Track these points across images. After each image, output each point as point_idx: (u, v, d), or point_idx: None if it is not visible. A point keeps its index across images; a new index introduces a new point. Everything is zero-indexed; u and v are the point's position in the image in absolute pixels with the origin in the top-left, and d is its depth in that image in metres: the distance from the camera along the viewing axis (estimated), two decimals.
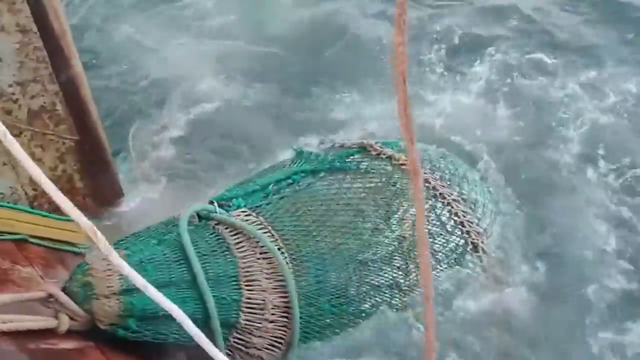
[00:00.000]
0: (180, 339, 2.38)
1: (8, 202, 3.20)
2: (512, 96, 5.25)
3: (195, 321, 2.29)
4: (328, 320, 2.59)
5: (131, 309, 2.27)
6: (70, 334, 2.36)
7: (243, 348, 2.48)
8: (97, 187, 3.48)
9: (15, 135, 2.96)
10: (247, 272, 2.49)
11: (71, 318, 2.27)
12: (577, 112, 5.01)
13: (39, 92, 3.08)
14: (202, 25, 6.20)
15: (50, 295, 2.24)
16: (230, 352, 2.49)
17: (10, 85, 2.96)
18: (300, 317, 2.51)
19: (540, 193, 4.12)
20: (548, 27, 6.24)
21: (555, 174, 4.43)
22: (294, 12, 6.35)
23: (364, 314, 2.65)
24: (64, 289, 2.27)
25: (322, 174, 3.01)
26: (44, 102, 3.11)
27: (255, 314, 2.46)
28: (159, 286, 2.25)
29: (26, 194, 3.26)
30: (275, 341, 2.52)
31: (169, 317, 2.25)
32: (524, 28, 6.24)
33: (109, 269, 2.30)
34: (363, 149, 3.24)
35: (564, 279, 3.66)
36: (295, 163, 3.17)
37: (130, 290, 2.28)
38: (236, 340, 2.47)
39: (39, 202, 3.30)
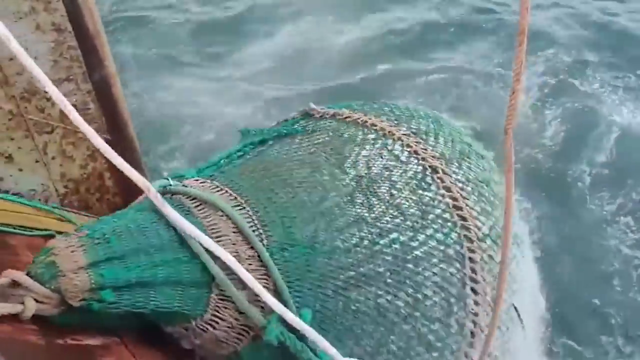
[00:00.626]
0: (160, 305, 2.25)
1: (37, 201, 3.22)
2: (555, 100, 5.05)
3: (174, 284, 2.26)
4: (305, 260, 2.43)
5: (102, 281, 2.15)
6: (96, 330, 2.35)
7: (229, 304, 2.33)
8: (127, 185, 3.46)
9: (47, 133, 3.07)
10: (214, 229, 2.38)
11: (39, 302, 2.14)
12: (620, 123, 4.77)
13: (72, 91, 3.18)
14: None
15: (15, 282, 2.12)
16: (217, 312, 2.34)
17: None
18: (277, 263, 2.37)
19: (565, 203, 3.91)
20: (598, 32, 6.02)
21: (581, 187, 4.22)
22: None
23: (337, 250, 2.51)
24: (28, 274, 2.16)
25: (270, 142, 2.98)
26: (76, 101, 3.17)
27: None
28: (126, 255, 2.21)
29: (57, 190, 3.30)
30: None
31: (145, 284, 2.23)
32: (574, 31, 6.04)
33: (71, 245, 2.20)
34: (306, 115, 3.22)
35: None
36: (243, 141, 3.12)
37: (97, 262, 2.17)
38: (220, 297, 2.33)
39: (69, 199, 3.33)
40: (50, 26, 3.01)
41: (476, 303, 2.73)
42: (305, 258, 2.43)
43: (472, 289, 2.73)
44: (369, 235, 2.57)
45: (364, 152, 2.84)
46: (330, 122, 3.05)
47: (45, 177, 3.33)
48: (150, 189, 2.28)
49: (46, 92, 3.15)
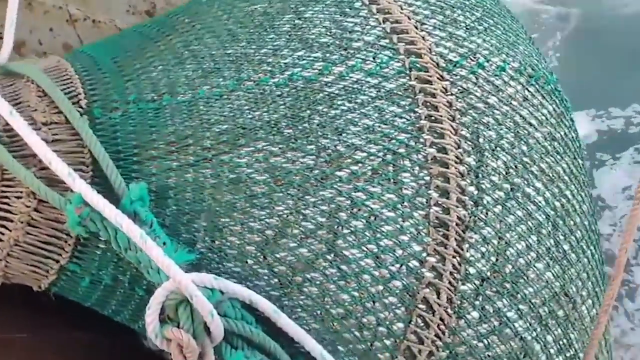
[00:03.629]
0: None
1: None
2: None
3: None
4: (149, 120, 1.71)
5: None
6: None
7: (19, 188, 1.63)
8: None
9: None
10: (11, 97, 1.73)
11: None
12: None
13: None
14: None
15: None
16: (4, 203, 1.63)
17: None
18: (100, 128, 1.70)
19: None
20: None
21: None
22: None
23: (202, 100, 1.74)
24: None
25: None
26: None
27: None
28: None
29: None
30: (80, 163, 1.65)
31: None
32: None
33: None
34: None
35: None
36: None
37: None
38: (5, 181, 1.63)
39: None
40: None
41: (442, 149, 1.74)
42: (149, 117, 1.70)
43: (432, 130, 1.75)
44: (253, 75, 1.76)
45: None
46: None
47: None
48: None
49: None
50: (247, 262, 1.67)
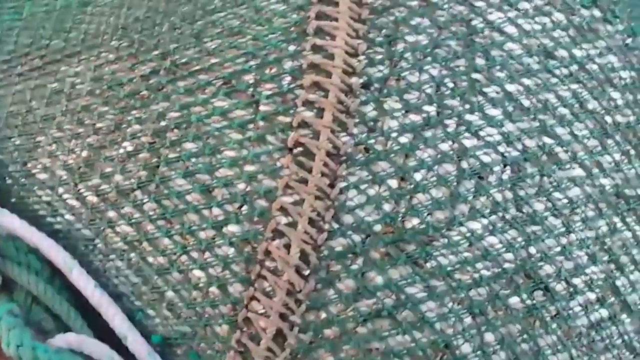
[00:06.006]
0: None
1: None
2: None
3: None
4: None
5: None
6: None
7: None
8: None
9: None
10: None
11: None
12: None
13: None
14: None
15: None
16: None
17: None
18: None
19: None
20: None
21: None
22: None
23: None
24: None
25: None
26: None
27: None
28: None
29: None
30: None
31: None
32: None
33: None
34: None
35: None
36: None
37: None
38: None
39: None
40: None
41: (328, 56, 1.17)
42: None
43: (321, 31, 1.17)
44: None
45: None
46: None
47: None
48: None
49: None
50: (58, 190, 1.33)
